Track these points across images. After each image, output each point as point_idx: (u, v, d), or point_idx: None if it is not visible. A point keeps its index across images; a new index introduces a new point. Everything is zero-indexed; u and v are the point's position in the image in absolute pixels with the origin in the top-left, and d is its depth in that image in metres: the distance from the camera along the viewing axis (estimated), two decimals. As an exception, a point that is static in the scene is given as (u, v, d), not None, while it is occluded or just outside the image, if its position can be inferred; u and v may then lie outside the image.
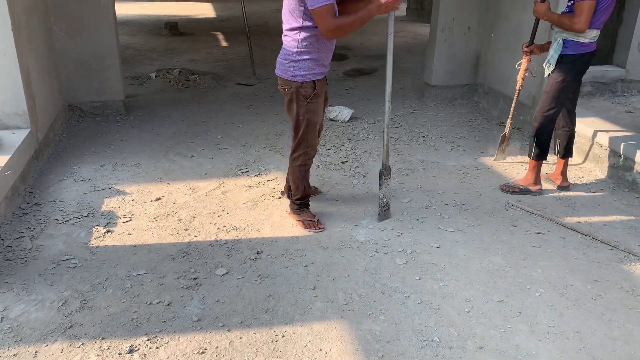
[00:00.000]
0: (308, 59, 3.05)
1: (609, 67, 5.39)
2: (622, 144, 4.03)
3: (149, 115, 5.46)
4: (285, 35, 3.09)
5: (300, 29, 3.00)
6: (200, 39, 9.42)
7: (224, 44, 9.13)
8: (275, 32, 10.20)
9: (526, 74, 4.00)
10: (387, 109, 3.31)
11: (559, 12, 3.76)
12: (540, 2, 3.65)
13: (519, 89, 4.08)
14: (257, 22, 10.94)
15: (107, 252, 3.11)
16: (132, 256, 3.08)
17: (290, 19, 3.01)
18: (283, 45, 3.13)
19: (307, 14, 2.93)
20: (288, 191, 3.56)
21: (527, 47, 3.92)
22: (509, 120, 4.23)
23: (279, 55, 3.16)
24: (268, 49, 8.62)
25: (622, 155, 4.03)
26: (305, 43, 3.02)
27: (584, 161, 4.45)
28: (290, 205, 3.52)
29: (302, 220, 3.42)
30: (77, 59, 5.15)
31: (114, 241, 3.22)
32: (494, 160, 4.40)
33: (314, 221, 3.42)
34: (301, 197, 3.42)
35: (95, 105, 5.33)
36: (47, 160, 4.28)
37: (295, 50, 3.05)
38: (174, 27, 9.63)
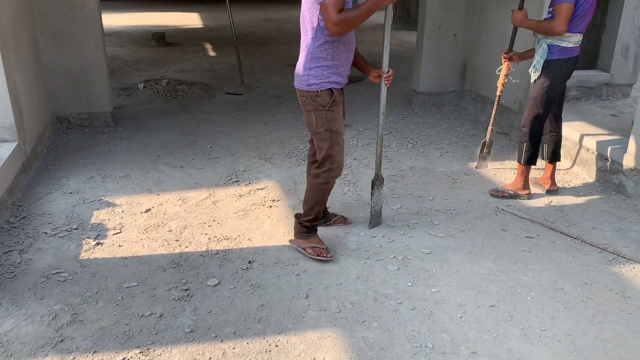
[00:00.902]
0: (324, 66, 2.90)
1: (594, 71, 5.46)
2: (609, 147, 4.07)
3: (138, 126, 5.44)
4: (305, 38, 2.93)
5: (316, 32, 2.84)
6: (188, 49, 9.42)
7: (212, 53, 9.13)
8: (263, 41, 10.23)
9: (506, 80, 4.02)
10: (381, 120, 3.29)
11: (542, 19, 3.81)
12: (518, 10, 3.71)
13: (499, 95, 4.09)
14: (244, 32, 10.97)
15: (98, 264, 3.09)
16: (123, 268, 3.06)
17: (307, 23, 2.86)
18: (302, 51, 2.97)
19: (321, 15, 2.79)
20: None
21: (506, 53, 3.95)
22: (489, 128, 4.23)
23: (299, 62, 2.99)
24: (256, 59, 8.64)
25: (608, 159, 4.08)
26: (321, 49, 2.87)
27: (572, 165, 4.49)
28: (297, 228, 3.22)
29: (313, 247, 3.14)
30: (65, 71, 5.13)
31: (104, 253, 3.20)
32: (476, 168, 4.38)
33: (324, 248, 3.16)
34: (313, 218, 3.17)
35: (83, 117, 5.31)
36: (35, 173, 4.24)
37: (310, 56, 2.90)
38: (161, 38, 9.63)
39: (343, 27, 2.76)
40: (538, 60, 3.66)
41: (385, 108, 3.28)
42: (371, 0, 2.79)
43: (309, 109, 2.99)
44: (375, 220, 3.51)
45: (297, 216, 3.26)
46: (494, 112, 4.19)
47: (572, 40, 3.54)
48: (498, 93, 4.08)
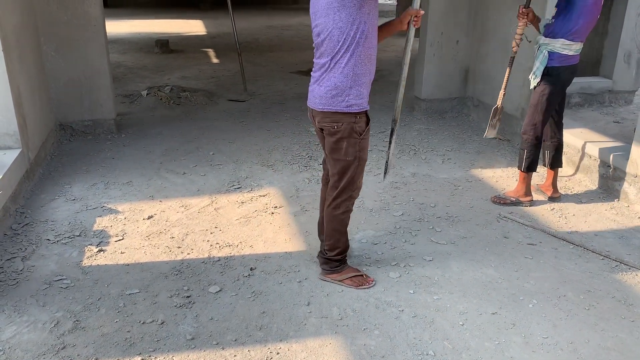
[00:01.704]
0: (364, 83, 2.66)
1: (596, 78, 5.46)
2: (611, 154, 4.07)
3: (141, 133, 5.46)
4: (331, 59, 2.61)
5: (356, 46, 2.56)
6: (191, 56, 9.46)
7: (215, 60, 9.17)
8: (266, 48, 10.27)
9: (521, 40, 3.82)
10: (405, 70, 2.88)
11: (547, 19, 3.78)
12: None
13: (513, 57, 3.87)
14: (247, 39, 11.01)
15: (100, 271, 3.09)
16: (125, 275, 3.06)
17: (339, 35, 2.54)
18: (320, 73, 2.68)
19: (362, 26, 2.54)
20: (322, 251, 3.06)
21: (524, 8, 3.72)
22: (501, 92, 4.02)
23: (317, 85, 2.70)
24: (259, 66, 8.67)
25: (611, 166, 4.07)
26: (361, 63, 2.61)
27: (574, 172, 4.48)
28: (325, 265, 3.01)
29: (352, 278, 2.96)
30: (68, 79, 5.16)
31: (107, 260, 3.20)
32: (485, 136, 4.20)
33: (362, 275, 2.99)
34: (342, 249, 2.98)
35: (86, 124, 5.33)
36: (38, 179, 4.26)
37: (351, 73, 2.61)
38: (164, 45, 9.67)
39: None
40: (538, 67, 3.66)
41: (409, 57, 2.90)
42: (393, 24, 2.75)
43: (342, 135, 2.70)
44: (388, 170, 3.24)
45: (322, 254, 3.04)
46: (507, 74, 3.94)
47: (573, 49, 3.56)
48: (513, 52, 3.84)
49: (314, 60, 2.76)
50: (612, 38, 5.37)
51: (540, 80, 3.68)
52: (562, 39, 3.54)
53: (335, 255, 2.97)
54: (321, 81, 2.68)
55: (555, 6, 3.61)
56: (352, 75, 2.62)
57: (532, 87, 3.76)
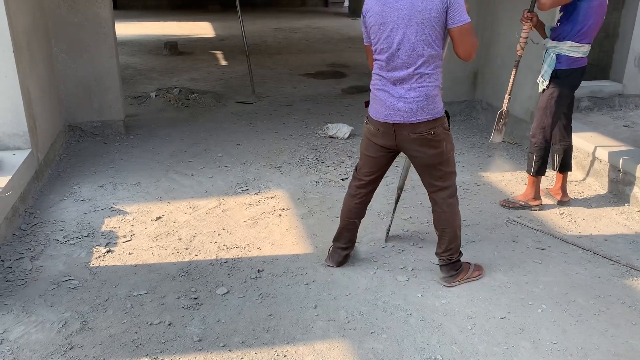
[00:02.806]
0: (440, 87, 2.73)
1: (606, 82, 5.43)
2: (622, 158, 4.04)
3: (149, 134, 5.48)
4: (415, 69, 2.60)
5: (439, 56, 2.63)
6: (200, 58, 9.49)
7: (223, 63, 9.19)
8: (274, 51, 10.28)
9: (526, 43, 3.77)
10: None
11: (554, 21, 3.75)
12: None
13: (518, 61, 3.84)
14: (256, 42, 11.03)
15: (108, 272, 3.10)
16: (133, 276, 3.07)
17: (433, 43, 2.57)
18: (406, 85, 2.64)
19: (443, 32, 2.60)
20: (443, 255, 2.99)
21: (529, 12, 3.67)
22: (506, 96, 3.97)
23: (400, 99, 2.64)
24: (267, 68, 8.68)
25: (621, 170, 4.04)
26: (440, 72, 2.69)
27: (585, 177, 4.45)
28: (451, 270, 2.96)
29: (475, 269, 3.04)
30: (78, 80, 5.19)
31: (115, 261, 3.21)
32: (490, 141, 4.12)
33: (477, 264, 3.09)
34: (459, 244, 2.97)
35: (95, 125, 5.35)
36: (47, 180, 4.28)
37: (437, 82, 2.67)
38: (173, 47, 9.70)
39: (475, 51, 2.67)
40: (546, 69, 3.64)
41: None
42: None
43: (440, 137, 2.72)
44: (389, 232, 3.48)
45: (445, 261, 2.96)
46: (512, 77, 3.90)
47: (581, 51, 3.54)
48: (518, 56, 3.81)
49: (384, 73, 2.69)
50: (623, 42, 5.34)
51: (549, 83, 3.66)
52: (570, 42, 3.52)
53: (458, 255, 2.98)
54: (408, 94, 2.64)
55: (560, 10, 3.58)
56: (439, 82, 2.68)
57: (540, 90, 3.74)
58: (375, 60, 2.72)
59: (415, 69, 2.60)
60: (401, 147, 2.79)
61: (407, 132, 2.69)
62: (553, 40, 3.62)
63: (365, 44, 2.84)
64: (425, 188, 2.95)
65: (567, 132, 3.91)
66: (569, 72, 3.60)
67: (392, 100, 2.67)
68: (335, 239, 3.18)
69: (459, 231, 2.96)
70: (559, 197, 3.99)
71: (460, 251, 3.01)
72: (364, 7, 2.69)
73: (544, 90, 3.70)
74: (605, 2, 3.50)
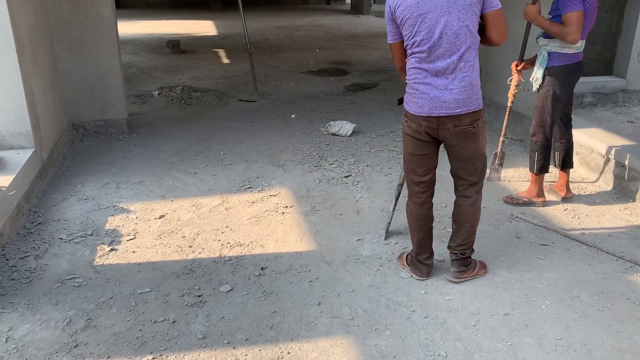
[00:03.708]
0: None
1: (610, 77, 5.40)
2: (626, 154, 4.03)
3: (152, 133, 5.48)
4: (459, 58, 2.57)
5: (476, 43, 2.62)
6: (202, 56, 9.50)
7: (225, 61, 9.20)
8: (276, 49, 10.27)
9: (516, 91, 3.93)
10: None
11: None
12: (532, 3, 3.58)
13: (510, 106, 4.03)
14: (258, 40, 11.03)
15: (112, 270, 3.11)
16: (137, 274, 3.08)
17: (467, 34, 2.55)
18: (449, 75, 2.59)
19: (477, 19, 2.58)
20: (459, 252, 2.95)
21: (517, 65, 3.84)
22: (501, 139, 4.15)
23: (445, 90, 2.60)
24: (269, 66, 8.68)
25: (625, 166, 4.03)
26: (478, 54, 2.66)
27: (589, 173, 4.44)
28: (462, 266, 2.95)
29: (481, 267, 3.06)
30: (81, 79, 5.20)
31: (118, 259, 3.22)
32: (487, 179, 4.18)
33: (481, 261, 3.11)
34: (473, 240, 2.97)
35: (98, 124, 5.37)
36: (51, 179, 4.29)
37: (476, 71, 2.65)
38: (176, 45, 9.71)
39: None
40: (539, 68, 3.61)
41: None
42: None
43: (480, 130, 2.71)
44: (389, 229, 3.50)
45: (459, 255, 2.95)
46: (505, 123, 4.13)
47: (573, 46, 3.50)
48: (509, 104, 4.02)
49: (424, 65, 2.62)
50: (626, 37, 5.31)
51: (543, 82, 3.63)
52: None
53: (471, 252, 2.98)
54: (452, 84, 2.59)
55: (549, 13, 3.54)
56: (477, 73, 2.63)
57: (534, 89, 3.71)
58: (414, 53, 2.64)
59: (459, 57, 2.56)
60: (442, 139, 2.75)
61: (452, 124, 2.64)
62: (544, 38, 3.59)
63: (390, 42, 2.75)
64: (455, 182, 2.92)
65: (567, 129, 3.89)
66: (562, 68, 3.56)
67: (436, 93, 2.61)
68: (418, 253, 3.01)
69: (477, 227, 2.94)
70: (562, 194, 3.98)
71: (473, 248, 3.00)
72: (390, 4, 2.60)
73: (538, 89, 3.68)
74: None
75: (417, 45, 2.60)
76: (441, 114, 2.63)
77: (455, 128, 2.65)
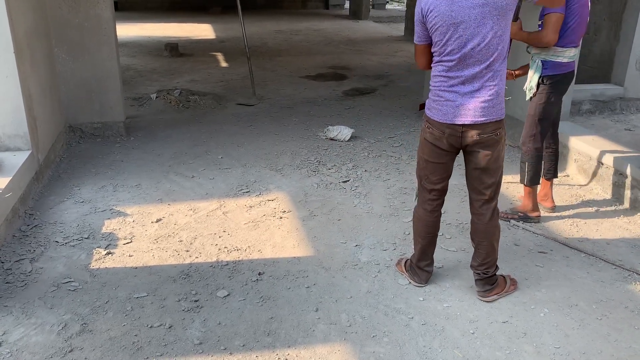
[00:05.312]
0: None
1: (608, 85, 5.42)
2: (624, 162, 4.03)
3: (150, 136, 5.47)
4: (487, 67, 2.53)
5: (507, 51, 2.61)
6: (201, 59, 9.48)
7: (224, 64, 9.19)
8: (275, 53, 10.27)
9: (509, 98, 3.89)
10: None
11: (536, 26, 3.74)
12: (512, 21, 3.58)
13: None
14: (256, 44, 11.03)
15: (108, 274, 3.09)
16: (133, 278, 3.05)
17: (501, 43, 2.51)
18: (477, 84, 2.56)
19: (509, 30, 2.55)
20: (483, 271, 2.88)
21: (514, 72, 3.75)
22: None
23: (471, 98, 2.57)
24: (268, 70, 8.68)
25: (623, 174, 4.03)
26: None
27: (587, 181, 4.44)
28: (487, 285, 2.87)
29: (512, 283, 2.99)
30: (78, 81, 5.18)
31: (115, 263, 3.20)
32: None
33: (509, 275, 3.05)
34: (495, 258, 2.89)
35: (96, 126, 5.34)
36: (47, 181, 4.27)
37: (503, 77, 2.62)
38: (174, 49, 9.70)
39: None
40: (533, 77, 3.59)
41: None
42: None
43: (501, 140, 2.68)
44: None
45: (482, 275, 2.88)
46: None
47: (567, 55, 3.48)
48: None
49: (452, 73, 2.58)
50: (624, 45, 5.33)
51: (537, 90, 3.61)
52: (554, 46, 3.45)
53: (495, 270, 2.89)
54: (479, 92, 2.56)
55: (540, 18, 3.52)
56: (505, 78, 2.62)
57: (527, 98, 3.68)
58: (442, 61, 2.59)
59: (488, 66, 2.52)
60: (463, 147, 2.72)
61: (476, 132, 2.61)
62: (537, 46, 3.57)
63: (417, 43, 2.70)
64: (471, 198, 2.86)
65: (554, 138, 3.85)
66: (556, 77, 3.54)
67: (461, 100, 2.58)
68: (419, 259, 2.99)
69: (497, 244, 2.87)
70: (546, 204, 3.93)
71: (497, 265, 2.92)
72: (423, 7, 2.54)
73: (531, 98, 3.66)
74: (588, 2, 3.44)
75: (447, 54, 2.55)
76: (466, 122, 2.60)
77: (479, 136, 2.62)
